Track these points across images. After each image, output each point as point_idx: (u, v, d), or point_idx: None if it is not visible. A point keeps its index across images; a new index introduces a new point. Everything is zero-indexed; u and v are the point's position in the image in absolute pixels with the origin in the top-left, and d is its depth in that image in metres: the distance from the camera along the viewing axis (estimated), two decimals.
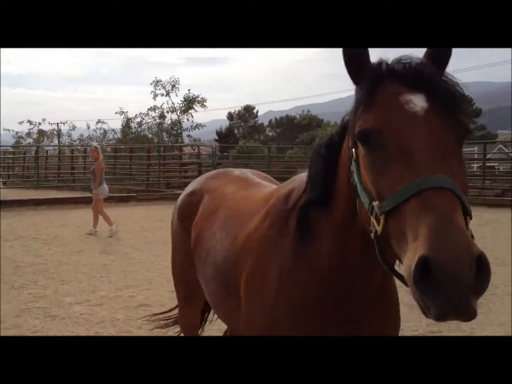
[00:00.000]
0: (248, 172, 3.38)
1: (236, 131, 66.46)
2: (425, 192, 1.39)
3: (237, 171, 3.40)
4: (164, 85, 42.31)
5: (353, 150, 1.70)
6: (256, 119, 69.28)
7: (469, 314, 1.28)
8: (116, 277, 8.12)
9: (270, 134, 68.74)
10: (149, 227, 13.60)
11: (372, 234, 1.58)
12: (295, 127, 62.49)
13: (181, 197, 3.46)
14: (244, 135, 64.89)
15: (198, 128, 44.85)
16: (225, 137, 60.94)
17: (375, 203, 1.53)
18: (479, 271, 1.27)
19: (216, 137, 62.33)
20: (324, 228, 1.98)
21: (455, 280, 1.24)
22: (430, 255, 1.27)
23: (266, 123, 70.69)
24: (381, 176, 1.52)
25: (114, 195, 19.98)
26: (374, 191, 1.55)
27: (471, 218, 1.48)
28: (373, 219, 1.56)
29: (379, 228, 1.53)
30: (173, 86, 42.45)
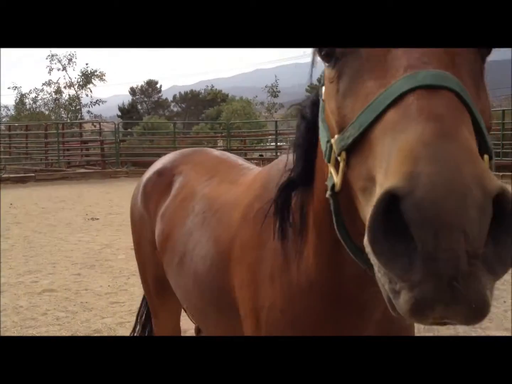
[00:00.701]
0: (229, 154, 2.90)
1: (139, 107, 64.59)
2: (408, 97, 0.88)
3: (216, 152, 2.90)
4: (60, 59, 40.05)
5: (323, 88, 1.31)
6: (160, 94, 67.73)
7: (472, 308, 0.70)
8: (16, 262, 7.70)
9: (175, 109, 67.64)
10: (50, 208, 13.01)
11: (327, 192, 1.13)
12: (200, 102, 61.91)
13: (146, 174, 2.93)
14: (148, 110, 63.29)
15: (99, 104, 43.08)
16: (128, 113, 59.03)
17: (334, 139, 1.09)
18: (500, 222, 0.72)
19: (119, 113, 60.23)
20: (308, 218, 1.58)
21: (448, 233, 0.69)
22: (401, 186, 0.74)
23: (170, 98, 69.36)
24: (346, 96, 1.09)
25: (11, 175, 18.88)
26: (335, 123, 1.12)
27: (491, 157, 0.95)
28: (330, 167, 1.12)
29: (337, 178, 1.07)
30: (70, 60, 40.31)
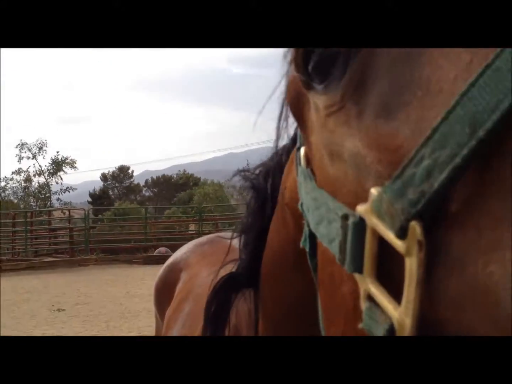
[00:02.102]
0: None
1: (110, 192, 64.82)
2: None
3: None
4: (30, 148, 40.40)
5: (301, 151, 0.93)
6: (132, 179, 68.35)
7: None
8: None
9: (147, 194, 68.06)
10: (15, 300, 12.55)
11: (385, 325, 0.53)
12: (172, 186, 62.58)
13: (161, 269, 2.67)
14: (119, 196, 63.47)
15: (69, 191, 43.20)
16: (99, 198, 59.07)
17: (377, 190, 0.55)
18: None
19: (90, 199, 60.16)
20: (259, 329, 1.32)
21: None
22: None
23: (142, 183, 69.93)
24: (390, 113, 0.60)
25: None
26: (370, 169, 0.60)
27: None
28: (368, 284, 0.57)
29: (415, 266, 0.49)
30: (40, 148, 40.71)
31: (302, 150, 0.91)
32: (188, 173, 62.99)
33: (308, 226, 0.85)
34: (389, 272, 0.55)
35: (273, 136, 1.22)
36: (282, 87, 1.03)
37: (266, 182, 1.31)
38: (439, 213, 0.49)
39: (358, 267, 0.58)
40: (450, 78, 0.53)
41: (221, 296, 1.35)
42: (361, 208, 0.58)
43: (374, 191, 0.55)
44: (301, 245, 0.93)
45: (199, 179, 59.04)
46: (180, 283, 2.37)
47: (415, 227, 0.48)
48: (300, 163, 0.91)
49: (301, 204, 0.88)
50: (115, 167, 68.81)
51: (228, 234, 2.09)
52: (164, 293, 2.47)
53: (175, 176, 66.25)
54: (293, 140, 1.20)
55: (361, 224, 0.57)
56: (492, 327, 0.44)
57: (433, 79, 0.55)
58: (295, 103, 0.88)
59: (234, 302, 1.34)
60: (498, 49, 0.50)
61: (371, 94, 0.64)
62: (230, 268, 1.47)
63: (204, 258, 2.41)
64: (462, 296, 0.46)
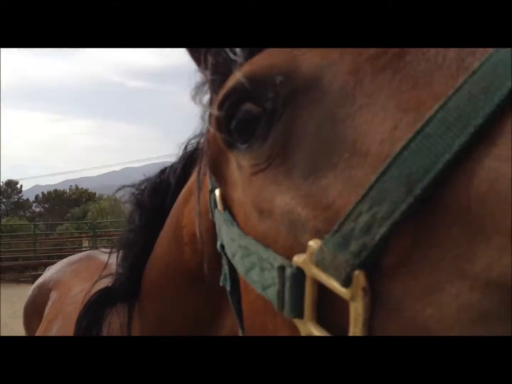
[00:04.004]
0: None
1: None
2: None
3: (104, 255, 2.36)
4: None
5: (217, 193, 0.93)
6: (21, 195, 64.15)
7: None
8: None
9: (38, 210, 64.18)
10: None
11: None
12: (65, 202, 59.57)
13: (29, 290, 2.52)
14: (7, 212, 59.28)
15: None
16: None
17: (316, 243, 0.61)
18: None
19: None
20: None
21: None
22: None
23: (32, 198, 65.87)
24: (319, 170, 0.65)
25: None
26: (307, 225, 0.64)
27: None
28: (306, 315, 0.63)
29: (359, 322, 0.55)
30: None
31: (217, 193, 0.92)
32: (81, 188, 60.36)
33: (228, 264, 0.89)
34: (331, 317, 0.60)
35: (172, 151, 1.27)
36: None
37: (151, 199, 1.33)
38: (380, 262, 0.54)
39: (299, 313, 0.63)
40: (376, 141, 0.58)
41: (94, 311, 1.31)
42: (298, 259, 0.63)
43: (313, 243, 0.60)
44: (220, 283, 0.95)
45: (94, 194, 56.80)
46: (49, 303, 2.28)
47: (359, 276, 0.54)
48: (216, 206, 0.92)
49: (221, 246, 0.90)
50: (2, 182, 64.40)
51: (103, 250, 2.07)
52: (33, 315, 2.36)
53: (67, 191, 63.20)
54: (183, 160, 1.26)
55: (299, 274, 0.62)
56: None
57: (358, 142, 0.60)
58: (214, 160, 0.90)
59: (107, 317, 1.30)
60: (427, 116, 0.54)
61: (298, 155, 0.68)
62: (105, 283, 1.45)
63: (76, 276, 2.34)
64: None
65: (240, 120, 0.76)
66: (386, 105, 0.60)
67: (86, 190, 58.37)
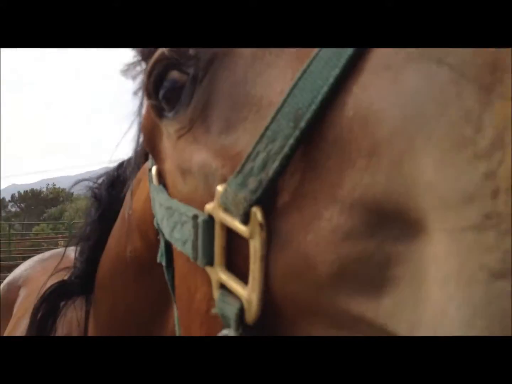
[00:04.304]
0: None
1: None
2: None
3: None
4: None
5: (153, 169, 0.96)
6: None
7: None
8: None
9: (14, 209, 63.30)
10: None
11: (227, 331, 0.62)
12: (41, 202, 58.86)
13: None
14: None
15: None
16: None
17: (221, 188, 0.63)
18: None
19: None
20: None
21: None
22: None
23: (8, 197, 64.95)
24: (231, 126, 0.68)
25: None
26: (216, 171, 0.68)
27: None
28: (219, 273, 0.64)
29: (252, 286, 0.58)
30: None
31: (154, 169, 0.96)
32: (59, 187, 59.71)
33: (164, 239, 0.89)
34: (237, 261, 0.62)
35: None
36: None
37: (108, 192, 1.34)
38: (275, 198, 0.56)
39: (209, 260, 0.64)
40: (277, 92, 0.62)
41: (49, 303, 1.33)
42: (209, 206, 0.65)
43: (219, 188, 0.63)
44: (158, 260, 0.97)
45: (72, 193, 56.40)
46: (19, 300, 2.28)
47: (256, 212, 0.56)
48: (152, 181, 0.96)
49: (156, 221, 0.91)
50: None
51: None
52: (3, 313, 2.34)
53: (44, 190, 62.43)
54: (138, 154, 1.25)
55: (210, 221, 0.64)
56: (313, 290, 0.52)
57: (264, 95, 0.64)
58: (149, 134, 0.94)
59: (63, 309, 1.32)
60: (312, 54, 0.58)
61: (215, 114, 0.72)
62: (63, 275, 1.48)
63: (46, 273, 2.23)
64: (290, 268, 0.54)
65: (168, 88, 0.80)
66: (288, 59, 0.64)
67: (63, 190, 57.80)
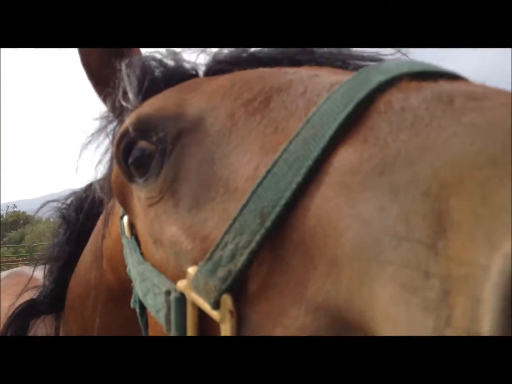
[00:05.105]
0: None
1: None
2: (388, 96, 0.58)
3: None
4: None
5: (125, 220, 1.00)
6: None
7: None
8: None
9: None
10: None
11: None
12: (1, 225, 56.81)
13: None
14: None
15: None
16: None
17: (193, 270, 0.68)
18: None
19: None
20: None
21: None
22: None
23: None
24: (199, 205, 0.73)
25: None
26: (187, 252, 0.73)
27: None
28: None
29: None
30: None
31: (126, 220, 0.99)
32: (19, 210, 58.02)
33: (137, 294, 0.91)
34: (209, 333, 0.67)
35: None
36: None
37: (76, 214, 1.38)
38: (244, 287, 0.60)
39: (183, 334, 0.69)
40: (243, 178, 0.67)
41: (18, 322, 1.33)
42: (180, 284, 0.70)
43: (190, 270, 0.68)
44: (131, 305, 0.98)
45: (33, 217, 54.52)
46: None
47: (227, 300, 0.60)
48: (124, 232, 0.99)
49: (129, 271, 0.96)
50: None
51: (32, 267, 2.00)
52: None
53: (4, 214, 60.48)
54: (108, 175, 1.19)
55: (182, 298, 0.70)
56: None
57: (230, 179, 0.69)
58: (120, 190, 0.98)
59: (32, 328, 1.34)
60: (275, 156, 0.61)
61: (184, 189, 0.76)
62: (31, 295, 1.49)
63: (4, 291, 2.31)
64: None
65: (136, 157, 0.84)
66: (253, 147, 0.68)
67: (24, 213, 56.18)
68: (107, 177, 1.18)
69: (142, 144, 0.84)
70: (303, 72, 0.77)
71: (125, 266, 1.02)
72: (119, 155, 0.88)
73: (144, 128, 0.84)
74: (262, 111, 0.72)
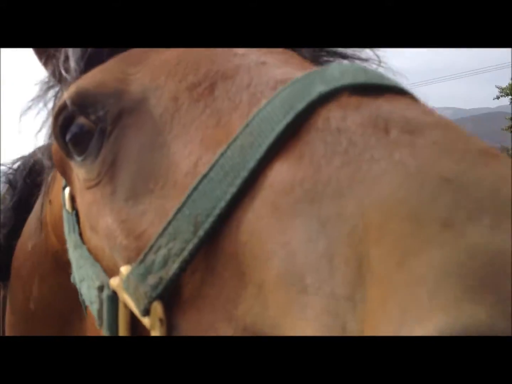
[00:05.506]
0: None
1: None
2: (325, 110, 0.56)
3: None
4: None
5: (66, 192, 0.94)
6: None
7: None
8: None
9: None
10: None
11: None
12: None
13: None
14: None
15: None
16: None
17: (125, 270, 0.67)
18: None
19: None
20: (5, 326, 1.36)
21: None
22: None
23: None
24: (137, 196, 0.70)
25: None
26: (120, 249, 0.70)
27: None
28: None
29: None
30: None
31: (67, 192, 0.92)
32: None
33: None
34: (141, 334, 0.65)
35: None
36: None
37: (23, 179, 1.32)
38: (175, 296, 0.58)
39: (114, 332, 0.67)
40: (183, 173, 0.62)
41: None
42: (113, 283, 0.67)
43: (123, 270, 0.65)
44: (71, 280, 0.92)
45: None
46: None
47: (157, 307, 0.59)
48: (65, 205, 0.92)
49: (68, 247, 0.90)
50: None
51: None
52: None
53: None
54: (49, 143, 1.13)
55: (114, 297, 0.67)
56: None
57: (170, 172, 0.64)
58: (60, 162, 0.92)
59: None
60: (212, 160, 0.58)
61: (122, 176, 0.70)
62: None
63: None
64: None
65: (74, 133, 0.78)
66: (194, 139, 0.65)
67: None
68: (47, 146, 1.12)
69: (81, 120, 0.79)
70: (252, 56, 0.75)
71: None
72: (56, 130, 0.83)
73: (83, 103, 0.79)
74: (206, 99, 0.69)
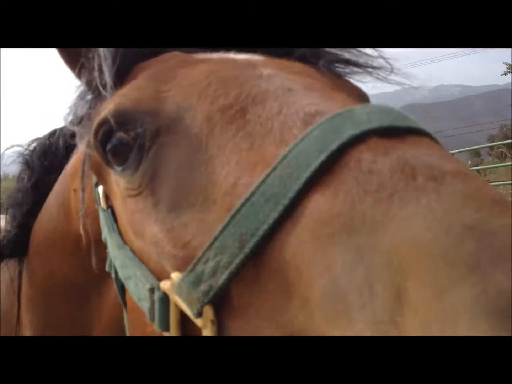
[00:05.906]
0: None
1: None
2: (354, 152, 0.60)
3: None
4: None
5: (100, 190, 0.99)
6: None
7: None
8: None
9: None
10: None
11: None
12: None
13: None
14: None
15: None
16: None
17: (176, 277, 0.71)
18: None
19: None
20: (23, 297, 1.41)
21: None
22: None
23: None
24: (180, 209, 0.75)
25: None
26: (168, 257, 0.76)
27: None
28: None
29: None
30: None
31: (101, 191, 0.98)
32: None
33: (115, 270, 0.93)
34: (191, 333, 0.72)
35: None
36: None
37: (40, 160, 1.37)
38: (225, 301, 0.66)
39: (166, 328, 0.74)
40: (221, 192, 0.69)
41: None
42: (164, 286, 0.74)
43: (174, 277, 0.71)
44: (107, 268, 1.00)
45: None
46: None
47: (208, 310, 0.66)
48: (100, 203, 0.99)
49: (105, 239, 0.97)
50: None
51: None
52: None
53: None
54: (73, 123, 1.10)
55: (165, 298, 0.74)
56: None
57: (209, 189, 0.71)
58: (96, 165, 0.96)
59: None
60: (253, 186, 0.63)
61: (164, 190, 0.77)
62: None
63: None
64: None
65: (114, 145, 0.83)
66: (230, 160, 0.70)
67: None
68: (64, 130, 1.18)
69: (121, 134, 0.84)
70: (277, 81, 0.79)
71: (98, 229, 1.04)
72: (97, 144, 0.87)
73: (122, 121, 0.83)
74: (238, 122, 0.74)
